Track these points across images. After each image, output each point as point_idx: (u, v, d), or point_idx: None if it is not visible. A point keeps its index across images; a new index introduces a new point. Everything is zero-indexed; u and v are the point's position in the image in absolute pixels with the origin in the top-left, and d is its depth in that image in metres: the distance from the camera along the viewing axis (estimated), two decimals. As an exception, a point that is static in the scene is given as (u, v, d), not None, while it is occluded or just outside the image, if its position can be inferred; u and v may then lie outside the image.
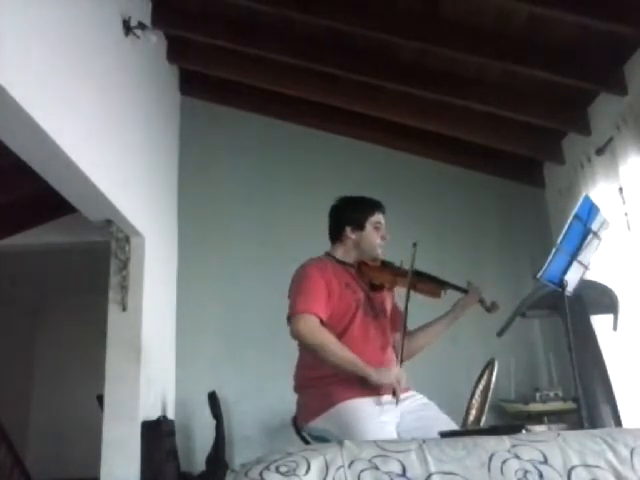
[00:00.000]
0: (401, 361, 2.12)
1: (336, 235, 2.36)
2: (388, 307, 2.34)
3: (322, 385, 2.11)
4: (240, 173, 4.90)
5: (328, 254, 2.35)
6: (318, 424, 2.06)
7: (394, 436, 1.95)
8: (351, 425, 1.94)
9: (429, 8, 3.51)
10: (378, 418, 1.98)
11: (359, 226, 2.31)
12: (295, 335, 2.06)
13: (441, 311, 2.37)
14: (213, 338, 4.52)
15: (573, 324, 2.46)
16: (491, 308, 2.28)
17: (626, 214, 3.40)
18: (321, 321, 2.09)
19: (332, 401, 2.04)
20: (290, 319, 2.10)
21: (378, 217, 2.34)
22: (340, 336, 2.12)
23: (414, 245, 2.21)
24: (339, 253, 2.33)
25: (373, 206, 2.35)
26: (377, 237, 2.31)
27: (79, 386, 6.82)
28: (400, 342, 2.16)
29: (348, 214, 2.35)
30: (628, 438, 1.33)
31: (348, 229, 2.32)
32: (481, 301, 2.29)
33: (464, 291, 2.31)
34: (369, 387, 2.06)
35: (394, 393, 2.02)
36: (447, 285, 2.31)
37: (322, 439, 2.00)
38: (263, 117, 4.94)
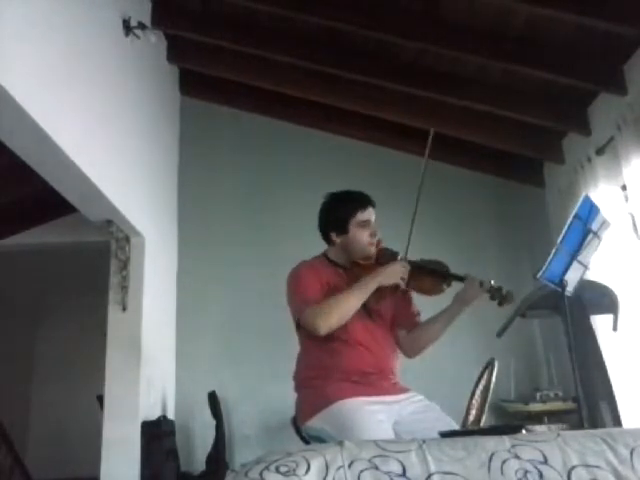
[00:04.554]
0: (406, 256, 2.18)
1: (325, 239, 2.32)
2: (384, 307, 2.26)
3: (318, 385, 2.10)
4: (240, 173, 4.90)
5: (324, 254, 2.33)
6: (315, 424, 2.05)
7: (391, 434, 1.95)
8: (347, 424, 1.93)
9: (429, 8, 3.51)
10: (374, 417, 1.97)
11: (342, 230, 2.23)
12: (316, 332, 2.03)
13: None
14: (213, 338, 4.52)
15: (573, 324, 2.46)
16: (504, 300, 2.04)
17: (630, 214, 3.39)
18: None
19: (328, 401, 2.04)
20: (301, 321, 2.09)
21: (363, 215, 2.22)
22: (329, 340, 2.11)
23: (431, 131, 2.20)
24: (332, 254, 2.30)
25: (355, 205, 2.23)
26: (365, 236, 2.21)
27: (79, 386, 6.81)
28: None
29: (330, 219, 2.27)
30: (628, 438, 1.33)
31: (333, 234, 2.26)
32: (491, 293, 2.07)
33: (460, 279, 2.14)
34: (365, 387, 2.07)
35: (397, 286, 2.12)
36: (449, 278, 2.16)
37: (319, 439, 1.99)
38: (263, 117, 4.95)
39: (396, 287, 2.26)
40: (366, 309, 2.21)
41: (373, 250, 2.24)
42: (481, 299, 2.13)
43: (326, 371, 2.11)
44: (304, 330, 2.13)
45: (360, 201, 2.25)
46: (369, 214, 2.24)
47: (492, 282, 2.10)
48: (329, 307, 2.04)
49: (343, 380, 2.07)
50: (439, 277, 2.17)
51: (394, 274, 2.11)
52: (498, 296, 2.07)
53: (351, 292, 2.07)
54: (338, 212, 2.25)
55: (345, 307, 2.05)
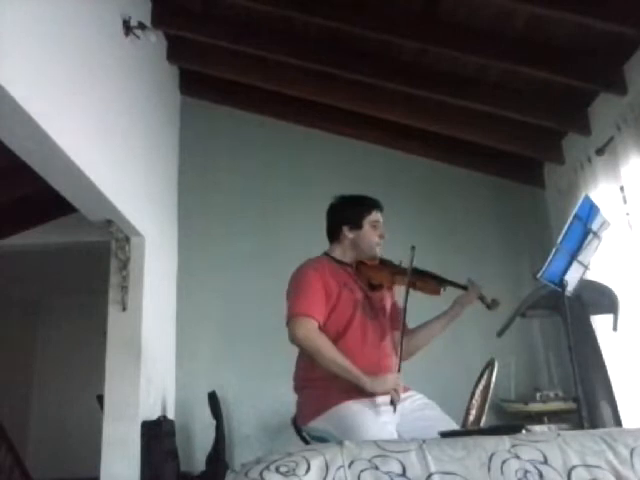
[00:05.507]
0: (399, 368, 2.09)
1: (334, 235, 2.35)
2: (387, 305, 2.33)
3: (321, 386, 2.10)
4: (240, 173, 4.90)
5: (326, 254, 2.34)
6: (318, 425, 2.06)
7: (395, 436, 1.95)
8: (351, 426, 1.93)
9: (429, 8, 3.51)
10: (378, 419, 1.98)
11: (356, 225, 2.30)
12: (293, 339, 2.07)
13: (442, 308, 2.34)
14: (213, 338, 4.52)
15: (573, 324, 2.46)
16: (492, 305, 2.22)
17: (628, 214, 3.39)
18: (319, 325, 2.09)
19: (331, 402, 2.04)
20: (288, 322, 2.09)
21: (376, 216, 2.32)
22: (338, 337, 2.12)
23: (412, 249, 2.18)
24: (337, 253, 2.32)
25: (371, 205, 2.33)
26: (375, 236, 2.30)
27: (79, 386, 6.81)
28: (399, 344, 2.13)
29: (345, 213, 2.34)
30: (628, 438, 1.33)
31: (345, 228, 2.30)
32: (481, 298, 2.24)
33: (464, 288, 2.28)
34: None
35: (392, 401, 1.99)
36: (447, 282, 2.27)
37: (322, 439, 1.99)
38: (263, 117, 4.94)
39: (391, 286, 2.33)
40: (371, 308, 2.23)
41: (379, 252, 2.32)
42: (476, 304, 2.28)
43: (327, 371, 2.10)
44: None
45: (375, 203, 2.35)
46: (380, 217, 2.34)
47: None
48: (318, 341, 2.05)
49: (345, 381, 2.06)
50: (438, 281, 2.30)
51: (384, 383, 2.02)
52: (486, 302, 2.24)
53: (339, 359, 2.03)
54: (354, 208, 2.34)
55: (324, 360, 2.05)
